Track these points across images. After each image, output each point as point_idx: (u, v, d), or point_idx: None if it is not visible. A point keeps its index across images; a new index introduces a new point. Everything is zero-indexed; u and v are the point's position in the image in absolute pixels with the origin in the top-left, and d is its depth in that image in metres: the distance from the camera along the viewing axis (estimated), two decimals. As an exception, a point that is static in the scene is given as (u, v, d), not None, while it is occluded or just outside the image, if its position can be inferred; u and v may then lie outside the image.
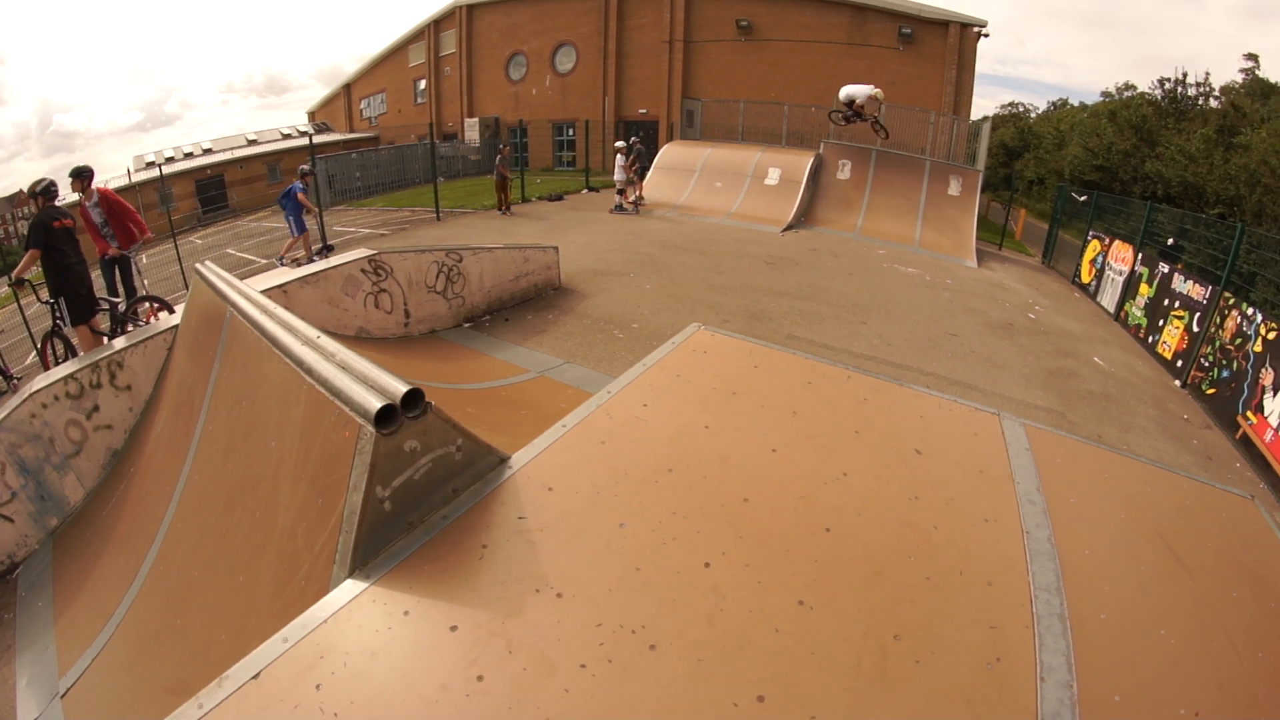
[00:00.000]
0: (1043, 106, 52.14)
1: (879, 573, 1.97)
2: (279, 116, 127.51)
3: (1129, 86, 32.54)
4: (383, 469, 1.97)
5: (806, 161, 15.35)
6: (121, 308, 6.65)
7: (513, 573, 1.91)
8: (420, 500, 2.07)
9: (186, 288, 12.95)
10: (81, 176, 7.05)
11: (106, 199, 7.20)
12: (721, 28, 26.11)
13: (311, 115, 44.65)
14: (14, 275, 6.37)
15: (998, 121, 45.09)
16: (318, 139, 35.44)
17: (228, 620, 2.43)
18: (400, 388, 2.04)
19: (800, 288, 8.71)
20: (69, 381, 4.73)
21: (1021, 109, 48.93)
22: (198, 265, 5.18)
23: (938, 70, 23.23)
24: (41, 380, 4.80)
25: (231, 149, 36.28)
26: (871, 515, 2.16)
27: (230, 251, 16.14)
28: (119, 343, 5.22)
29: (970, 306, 8.69)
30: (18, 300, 12.45)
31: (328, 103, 43.09)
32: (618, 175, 15.14)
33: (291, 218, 11.62)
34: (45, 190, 6.17)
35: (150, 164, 35.54)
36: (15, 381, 10.93)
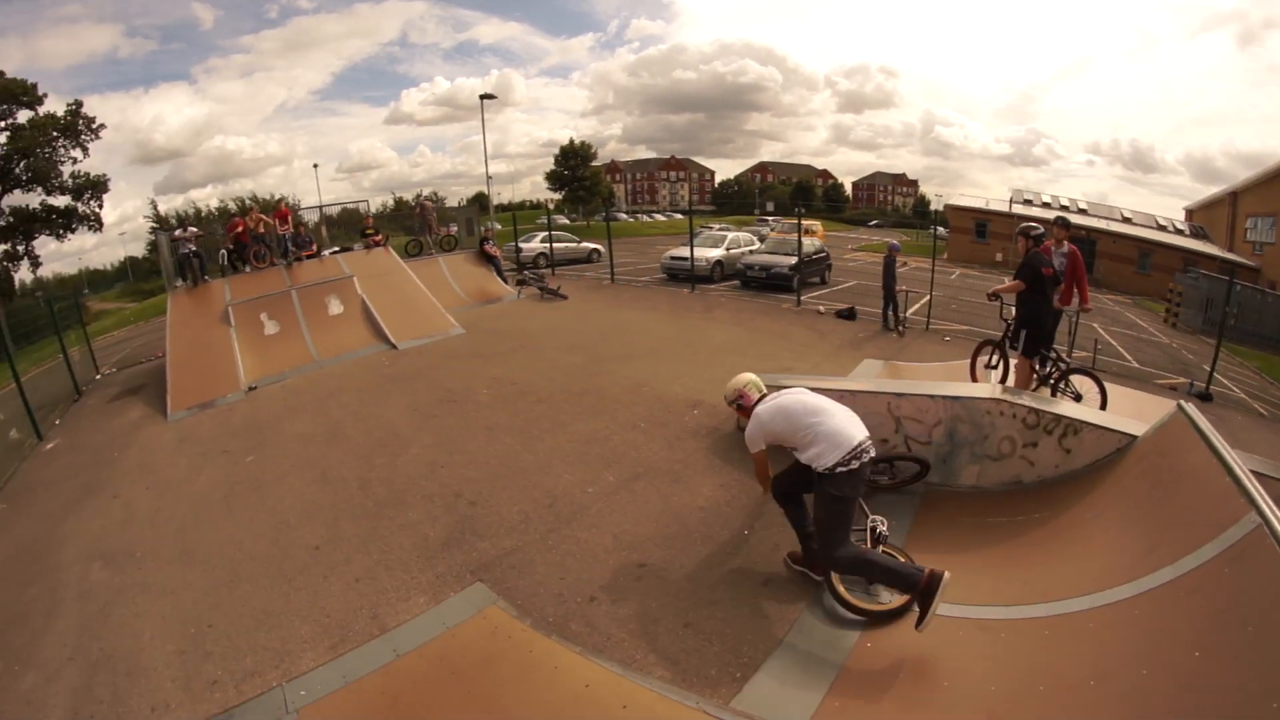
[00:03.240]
0: None
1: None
2: (1138, 197, 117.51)
3: None
4: None
5: None
6: (1064, 362, 7.14)
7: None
8: None
9: (1068, 345, 11.02)
10: (1064, 225, 7.60)
11: (1074, 257, 7.48)
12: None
13: (1189, 213, 38.33)
14: (993, 290, 7.35)
15: None
16: (1195, 245, 31.15)
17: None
18: None
19: None
20: (1031, 413, 5.43)
21: None
22: (1180, 403, 4.78)
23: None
24: (1011, 395, 5.69)
25: (1105, 218, 35.12)
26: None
27: (1096, 327, 14.30)
28: (1083, 412, 5.57)
29: None
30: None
31: (1208, 205, 35.85)
32: None
33: None
34: (1038, 237, 7.00)
35: (1014, 197, 37.89)
36: (902, 327, 12.81)
